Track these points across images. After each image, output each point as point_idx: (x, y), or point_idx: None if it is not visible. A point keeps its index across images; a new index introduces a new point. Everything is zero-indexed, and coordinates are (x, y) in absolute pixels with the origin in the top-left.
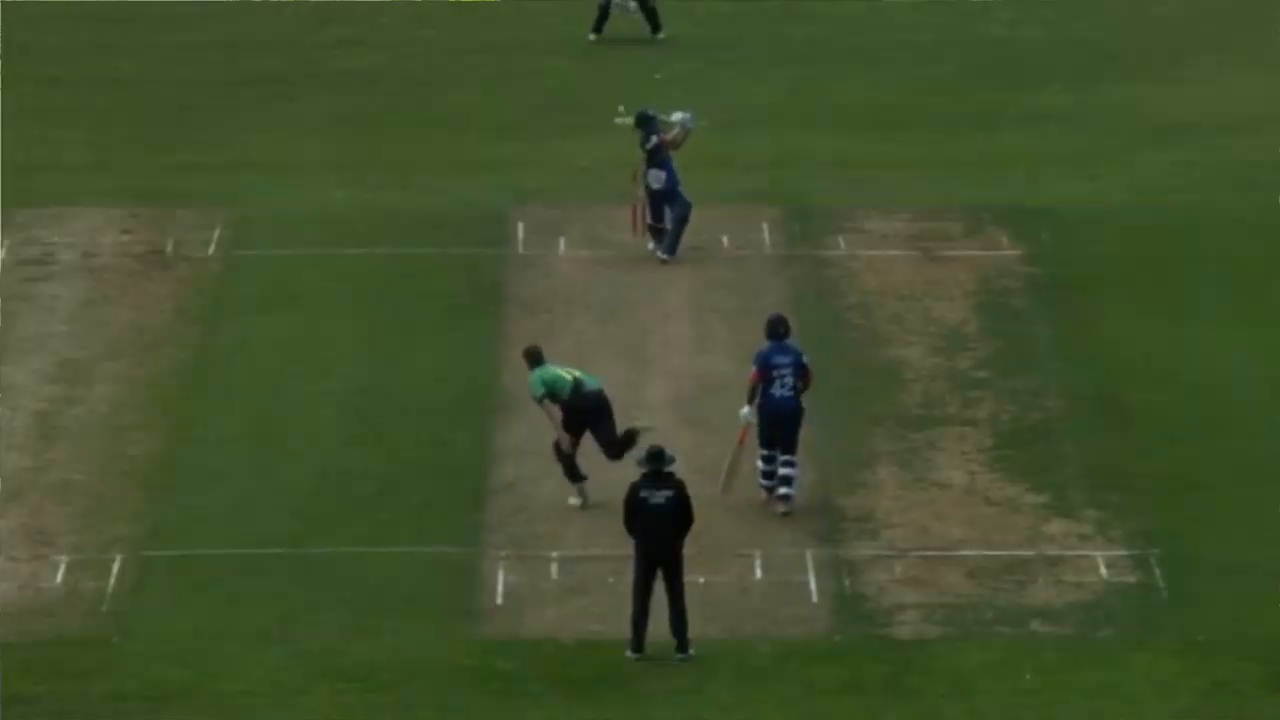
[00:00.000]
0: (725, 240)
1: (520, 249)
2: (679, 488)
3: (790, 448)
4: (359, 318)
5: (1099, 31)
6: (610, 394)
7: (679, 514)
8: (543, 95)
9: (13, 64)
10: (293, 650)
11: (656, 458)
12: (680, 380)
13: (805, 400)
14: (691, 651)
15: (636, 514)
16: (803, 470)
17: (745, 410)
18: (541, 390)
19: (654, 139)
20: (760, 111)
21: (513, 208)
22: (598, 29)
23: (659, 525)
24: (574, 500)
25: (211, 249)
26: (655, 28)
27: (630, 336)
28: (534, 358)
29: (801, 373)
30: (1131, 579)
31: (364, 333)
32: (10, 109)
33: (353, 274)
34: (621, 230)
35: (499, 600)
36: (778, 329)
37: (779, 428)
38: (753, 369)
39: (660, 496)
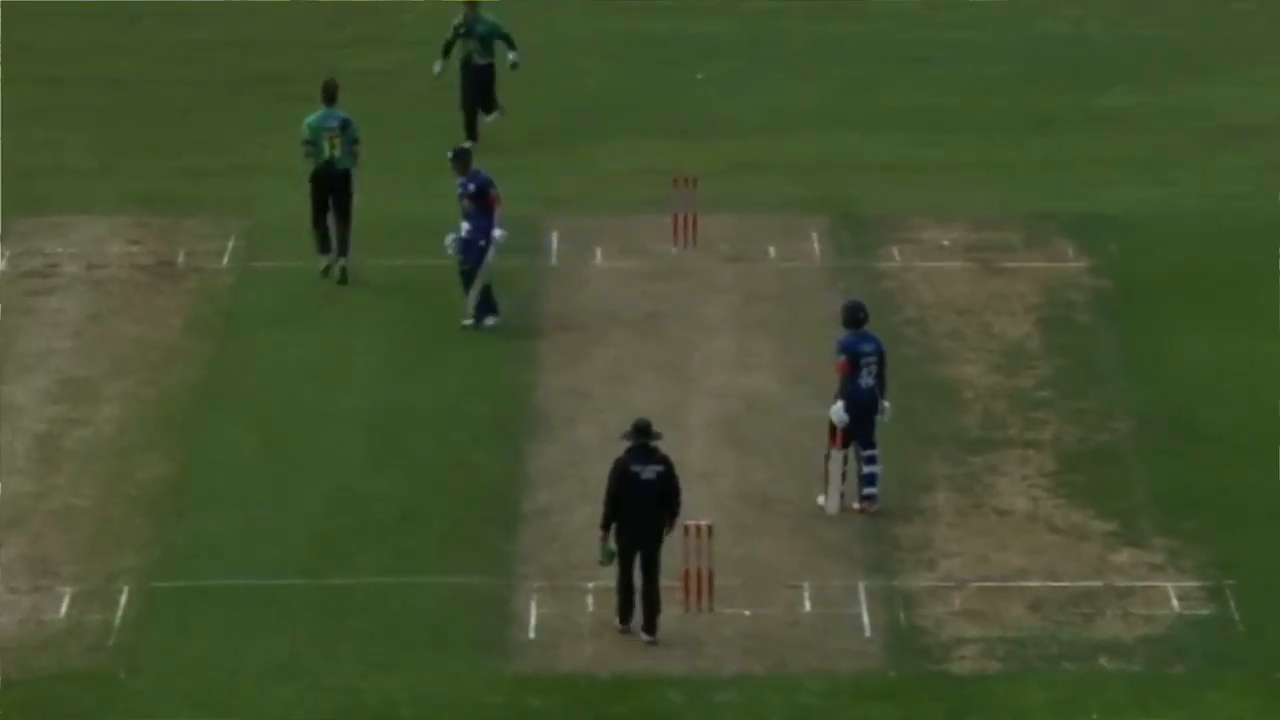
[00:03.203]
0: (772, 251)
1: (554, 260)
2: (668, 464)
3: (870, 440)
4: (381, 332)
5: (1168, 28)
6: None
7: (668, 491)
8: (576, 97)
9: (13, 63)
10: (310, 687)
11: (643, 430)
12: (724, 400)
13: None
14: (659, 636)
15: (625, 490)
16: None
17: (838, 406)
18: (307, 134)
19: (470, 185)
20: (807, 113)
21: (545, 216)
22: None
23: (648, 501)
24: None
25: (225, 260)
26: (488, 108)
27: (671, 353)
28: (327, 93)
29: (883, 361)
30: (1205, 611)
31: (386, 348)
32: (10, 110)
33: (374, 286)
34: (662, 240)
35: (531, 634)
36: (857, 315)
37: (863, 420)
38: (840, 359)
39: (650, 472)
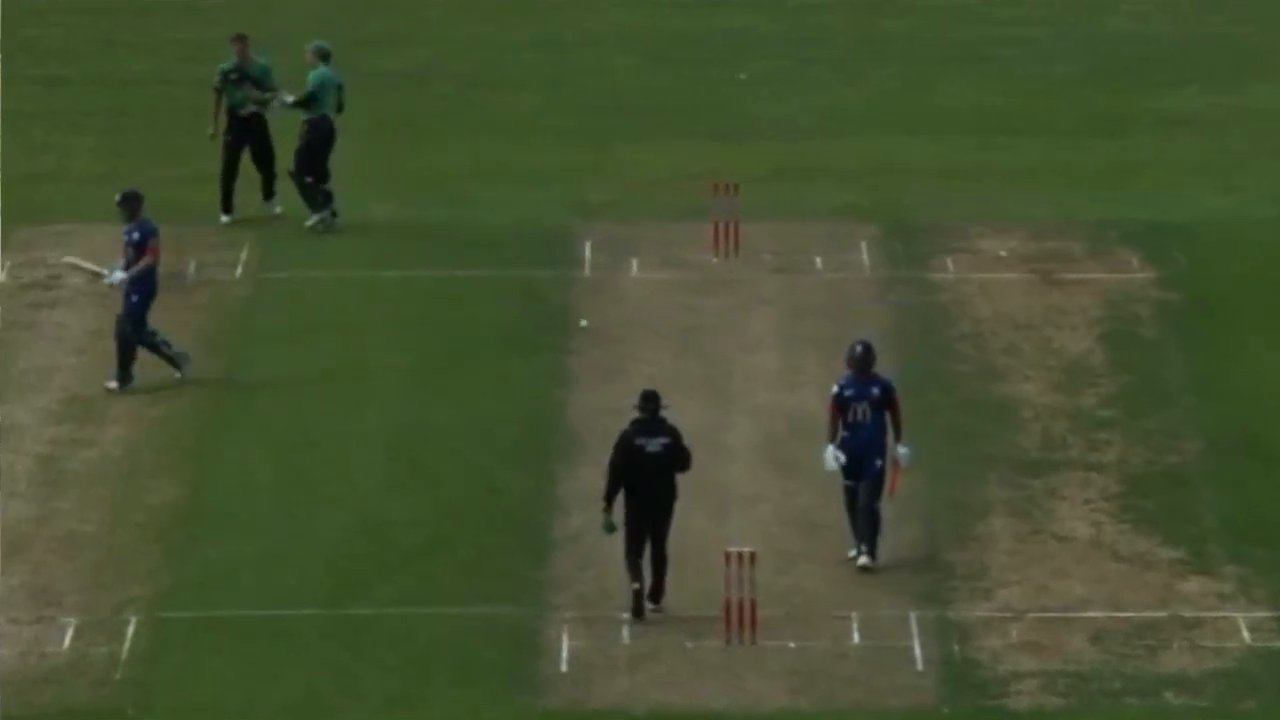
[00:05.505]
0: (818, 261)
1: (587, 270)
2: (674, 435)
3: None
4: (403, 348)
5: (1239, 25)
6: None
7: (676, 462)
8: (609, 98)
9: (14, 62)
10: None
11: (650, 400)
12: (767, 419)
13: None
14: (664, 603)
15: (631, 464)
16: None
17: (908, 451)
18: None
19: (135, 234)
20: (856, 115)
21: (578, 224)
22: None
23: (655, 475)
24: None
25: (238, 271)
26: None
27: (711, 370)
28: (238, 40)
29: None
30: (1277, 644)
31: (409, 365)
32: (11, 112)
33: (396, 299)
34: (701, 250)
35: (563, 667)
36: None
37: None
38: (897, 398)
39: (657, 444)
